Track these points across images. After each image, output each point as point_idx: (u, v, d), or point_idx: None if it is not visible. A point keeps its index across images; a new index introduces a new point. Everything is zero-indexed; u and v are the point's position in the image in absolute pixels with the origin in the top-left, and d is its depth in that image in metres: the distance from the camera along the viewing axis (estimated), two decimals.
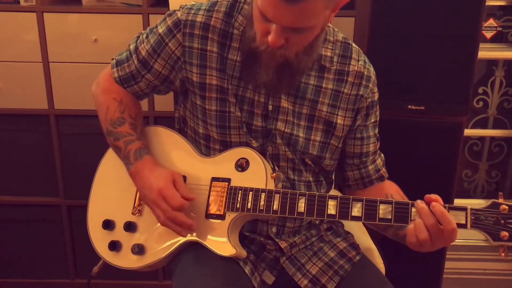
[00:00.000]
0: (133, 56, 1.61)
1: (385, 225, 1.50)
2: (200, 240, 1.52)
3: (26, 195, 2.62)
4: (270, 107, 1.54)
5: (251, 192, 1.50)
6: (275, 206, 1.48)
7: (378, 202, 1.42)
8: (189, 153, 1.63)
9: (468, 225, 1.34)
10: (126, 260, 1.60)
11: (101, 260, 1.66)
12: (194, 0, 1.73)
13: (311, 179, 1.64)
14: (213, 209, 1.53)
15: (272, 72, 1.43)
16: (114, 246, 1.61)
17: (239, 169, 1.55)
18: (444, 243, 1.36)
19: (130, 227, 1.60)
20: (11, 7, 2.35)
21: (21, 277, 2.76)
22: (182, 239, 1.54)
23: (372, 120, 1.65)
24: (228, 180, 1.54)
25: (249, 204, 1.49)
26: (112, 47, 2.32)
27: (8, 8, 2.34)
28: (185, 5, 1.57)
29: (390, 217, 1.40)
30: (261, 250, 1.62)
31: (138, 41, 1.62)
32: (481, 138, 3.13)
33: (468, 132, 2.99)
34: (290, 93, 1.54)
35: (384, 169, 1.71)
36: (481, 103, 3.03)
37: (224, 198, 1.53)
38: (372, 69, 1.63)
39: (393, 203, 1.41)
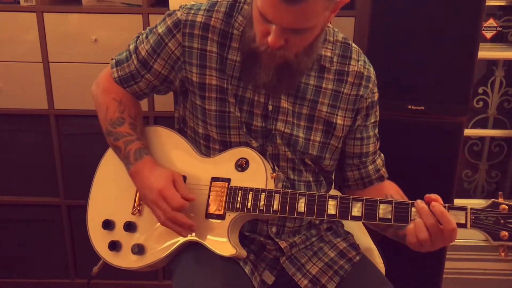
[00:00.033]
0: (133, 56, 1.61)
1: (385, 225, 1.51)
2: (200, 240, 1.52)
3: (26, 195, 2.62)
4: (270, 107, 1.54)
5: (251, 192, 1.50)
6: (275, 206, 1.48)
7: (378, 202, 1.42)
8: (189, 153, 1.63)
9: (468, 225, 1.34)
10: (126, 260, 1.60)
11: (101, 260, 1.66)
12: (194, 0, 1.73)
13: (311, 179, 1.64)
14: (213, 209, 1.53)
15: (272, 73, 1.43)
16: (114, 246, 1.61)
17: (239, 169, 1.54)
18: (444, 242, 1.36)
19: (130, 227, 1.60)
20: (11, 7, 2.34)
21: (21, 277, 2.76)
22: (182, 239, 1.54)
23: (372, 120, 1.65)
24: (228, 180, 1.54)
25: (249, 204, 1.49)
26: (112, 47, 2.32)
27: (8, 8, 2.34)
28: (185, 5, 1.57)
29: (390, 217, 1.40)
30: (261, 250, 1.62)
31: (137, 41, 1.62)
32: (481, 138, 3.13)
33: (468, 132, 2.99)
34: (290, 94, 1.54)
35: (384, 169, 1.71)
36: (481, 103, 3.03)
37: (224, 198, 1.53)
38: (372, 69, 1.63)
39: (393, 203, 1.41)
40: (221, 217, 1.52)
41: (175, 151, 1.64)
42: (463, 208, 1.35)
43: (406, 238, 1.40)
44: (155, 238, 1.58)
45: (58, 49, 2.38)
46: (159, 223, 1.52)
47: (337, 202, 1.44)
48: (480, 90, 3.01)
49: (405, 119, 2.17)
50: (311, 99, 1.56)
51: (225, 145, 1.58)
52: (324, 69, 1.57)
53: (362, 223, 1.68)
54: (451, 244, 1.38)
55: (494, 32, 2.81)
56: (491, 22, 2.79)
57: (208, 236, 1.52)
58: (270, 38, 1.32)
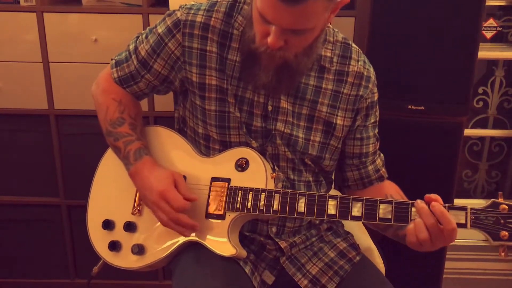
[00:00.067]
0: (133, 57, 1.61)
1: (385, 225, 1.50)
2: (200, 240, 1.52)
3: (26, 195, 2.62)
4: (269, 108, 1.54)
5: (251, 192, 1.50)
6: (275, 206, 1.48)
7: (378, 202, 1.42)
8: (189, 153, 1.63)
9: (468, 225, 1.34)
10: (126, 260, 1.60)
11: (101, 260, 1.66)
12: (194, 0, 1.73)
13: (311, 179, 1.64)
14: (213, 209, 1.53)
15: (271, 73, 1.43)
16: (114, 246, 1.60)
17: (239, 169, 1.54)
18: (444, 242, 1.36)
19: (130, 227, 1.60)
20: (11, 7, 2.34)
21: (21, 277, 2.76)
22: (182, 239, 1.54)
23: (372, 121, 1.65)
24: (228, 180, 1.54)
25: (249, 204, 1.49)
26: (112, 47, 2.32)
27: (8, 8, 2.34)
28: (185, 5, 1.57)
29: (390, 217, 1.40)
30: (261, 250, 1.62)
31: (137, 41, 1.62)
32: (481, 138, 3.13)
33: (468, 132, 2.99)
34: (289, 94, 1.54)
35: (383, 169, 1.70)
36: (481, 103, 3.03)
37: (224, 198, 1.52)
38: (372, 69, 1.63)
39: (393, 203, 1.41)
40: (221, 217, 1.52)
41: (175, 151, 1.64)
42: (463, 208, 1.35)
43: (406, 238, 1.40)
44: (155, 238, 1.58)
45: (58, 49, 2.38)
46: (159, 223, 1.52)
47: (337, 202, 1.44)
48: (480, 90, 3.01)
49: (405, 119, 2.17)
50: (311, 99, 1.56)
51: (225, 145, 1.58)
52: (324, 69, 1.57)
53: (362, 223, 1.68)
54: (451, 244, 1.38)
55: (494, 32, 2.81)
56: (491, 22, 2.79)
57: (208, 236, 1.52)
58: (269, 39, 1.32)
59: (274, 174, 1.52)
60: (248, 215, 1.53)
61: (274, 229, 1.60)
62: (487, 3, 2.16)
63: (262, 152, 1.56)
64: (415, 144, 2.20)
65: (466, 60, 2.09)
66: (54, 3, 2.43)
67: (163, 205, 1.47)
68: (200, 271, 1.49)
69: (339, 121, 1.59)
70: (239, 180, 1.53)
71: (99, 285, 2.56)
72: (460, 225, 1.34)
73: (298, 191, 1.48)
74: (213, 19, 1.53)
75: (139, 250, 1.57)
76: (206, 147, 1.62)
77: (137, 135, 1.59)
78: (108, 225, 1.62)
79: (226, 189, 1.53)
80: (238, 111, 1.54)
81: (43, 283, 2.76)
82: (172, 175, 1.51)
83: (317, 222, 1.69)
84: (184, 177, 1.57)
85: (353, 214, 1.43)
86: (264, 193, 1.49)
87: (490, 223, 1.32)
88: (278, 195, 1.48)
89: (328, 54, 1.57)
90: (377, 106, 1.66)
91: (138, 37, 1.64)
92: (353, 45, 1.62)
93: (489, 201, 1.34)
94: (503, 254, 1.33)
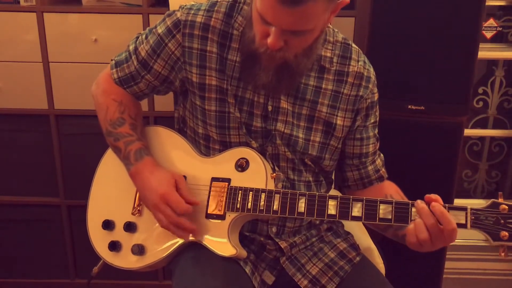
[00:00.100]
0: (133, 57, 1.61)
1: (385, 225, 1.50)
2: (200, 241, 1.52)
3: (26, 195, 2.62)
4: (269, 108, 1.54)
5: (251, 192, 1.50)
6: (275, 206, 1.47)
7: (378, 202, 1.42)
8: (189, 153, 1.63)
9: (468, 225, 1.34)
10: (126, 261, 1.60)
11: (101, 261, 1.66)
12: (193, 0, 1.73)
13: (311, 179, 1.64)
14: (213, 209, 1.53)
15: (271, 74, 1.43)
16: (114, 246, 1.61)
17: (239, 169, 1.54)
18: (444, 243, 1.36)
19: (130, 227, 1.60)
20: (11, 7, 2.34)
21: (21, 277, 2.76)
22: (182, 240, 1.54)
23: (372, 121, 1.65)
24: (228, 180, 1.54)
25: (249, 204, 1.49)
26: (112, 47, 2.32)
27: (8, 8, 2.34)
28: (185, 5, 1.57)
29: (390, 217, 1.40)
30: (261, 250, 1.62)
31: (137, 42, 1.62)
32: (481, 138, 3.13)
33: (468, 132, 2.99)
34: (289, 94, 1.54)
35: (383, 170, 1.70)
36: (481, 103, 3.03)
37: (224, 198, 1.52)
38: (372, 69, 1.63)
39: (393, 203, 1.41)
40: (221, 217, 1.52)
41: (175, 151, 1.64)
42: (463, 208, 1.35)
43: (406, 238, 1.40)
44: (155, 239, 1.58)
45: (58, 49, 2.38)
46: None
47: (337, 202, 1.44)
48: (480, 90, 3.01)
49: (405, 119, 2.17)
50: (311, 100, 1.56)
51: (225, 145, 1.58)
52: (324, 70, 1.57)
53: (362, 223, 1.68)
54: (451, 244, 1.38)
55: (494, 32, 2.81)
56: (491, 22, 2.79)
57: (208, 237, 1.52)
58: (269, 40, 1.32)
59: (274, 174, 1.52)
60: (248, 215, 1.52)
61: (274, 229, 1.60)
62: (487, 3, 2.16)
63: (262, 152, 1.56)
64: (415, 144, 2.20)
65: (466, 60, 2.09)
66: (54, 3, 2.43)
67: (164, 208, 1.47)
68: (200, 271, 1.49)
69: (339, 122, 1.59)
70: (239, 180, 1.53)
71: (99, 285, 2.56)
72: (460, 225, 1.34)
73: (298, 191, 1.47)
74: (213, 19, 1.53)
75: (139, 250, 1.57)
76: (206, 147, 1.62)
77: (137, 135, 1.59)
78: (108, 225, 1.62)
79: (226, 189, 1.53)
80: (238, 112, 1.54)
81: (43, 283, 2.76)
82: (173, 177, 1.51)
83: (317, 222, 1.69)
84: (184, 177, 1.56)
85: (353, 214, 1.43)
86: (264, 193, 1.49)
87: (490, 223, 1.32)
88: (278, 195, 1.48)
89: (328, 54, 1.57)
90: (377, 106, 1.66)
91: (138, 37, 1.64)
92: (353, 45, 1.62)
93: (489, 201, 1.34)
94: (503, 254, 1.33)
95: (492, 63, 3.00)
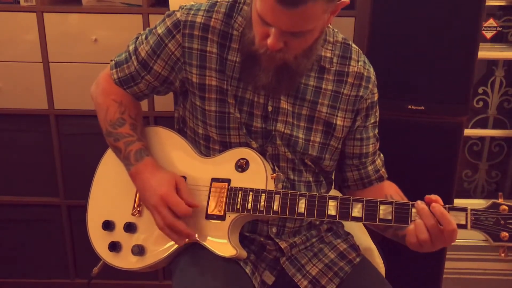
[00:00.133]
0: (133, 57, 1.61)
1: (385, 225, 1.50)
2: (200, 241, 1.52)
3: (26, 195, 2.62)
4: (269, 108, 1.54)
5: (251, 193, 1.50)
6: (275, 206, 1.47)
7: (379, 203, 1.41)
8: (189, 153, 1.63)
9: (468, 226, 1.34)
10: (126, 261, 1.60)
11: (101, 261, 1.65)
12: (193, 0, 1.73)
13: (311, 179, 1.64)
14: (213, 210, 1.53)
15: (271, 74, 1.43)
16: (114, 247, 1.60)
17: (239, 169, 1.54)
18: (444, 243, 1.36)
19: (130, 228, 1.60)
20: (11, 7, 2.34)
21: (21, 277, 2.76)
22: None
23: (372, 121, 1.65)
24: (228, 181, 1.54)
25: (249, 204, 1.49)
26: (112, 47, 2.32)
27: (8, 8, 2.34)
28: (185, 5, 1.57)
29: (390, 217, 1.40)
30: (261, 250, 1.62)
31: (137, 42, 1.62)
32: (481, 138, 3.13)
33: (468, 132, 2.99)
34: (289, 94, 1.54)
35: (383, 170, 1.71)
36: (481, 103, 3.02)
37: (224, 198, 1.52)
38: (372, 69, 1.63)
39: (394, 204, 1.40)
40: (222, 217, 1.51)
41: (175, 152, 1.64)
42: (463, 209, 1.35)
43: (406, 238, 1.40)
44: (155, 239, 1.58)
45: (58, 49, 2.38)
46: None
47: (338, 203, 1.44)
48: (480, 90, 3.01)
49: (405, 119, 2.17)
50: (311, 100, 1.56)
51: (225, 146, 1.58)
52: (324, 70, 1.57)
53: (363, 223, 1.68)
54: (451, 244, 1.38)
55: (494, 32, 2.80)
56: (491, 22, 2.79)
57: (209, 237, 1.52)
58: (269, 41, 1.32)
59: (274, 174, 1.52)
60: (248, 216, 1.52)
61: (274, 230, 1.60)
62: (487, 3, 2.16)
63: (262, 152, 1.56)
64: (415, 144, 2.20)
65: (466, 60, 2.09)
66: (54, 3, 2.43)
67: (162, 209, 1.46)
68: (200, 271, 1.49)
69: (339, 122, 1.59)
70: (239, 180, 1.53)
71: (99, 285, 2.56)
72: (460, 226, 1.34)
73: (298, 192, 1.47)
74: (213, 19, 1.53)
75: (139, 251, 1.57)
76: (206, 147, 1.62)
77: (138, 136, 1.59)
78: (108, 225, 1.62)
79: (226, 189, 1.53)
80: (238, 112, 1.54)
81: (43, 283, 2.76)
82: (173, 178, 1.51)
83: (317, 222, 1.69)
84: (184, 177, 1.56)
85: (353, 215, 1.43)
86: (264, 194, 1.49)
87: (490, 224, 1.32)
88: (278, 195, 1.48)
89: (328, 55, 1.57)
90: (377, 107, 1.66)
91: (137, 38, 1.64)
92: (353, 45, 1.62)
93: (489, 202, 1.34)
94: (503, 255, 1.33)
95: (492, 63, 3.00)
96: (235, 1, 1.55)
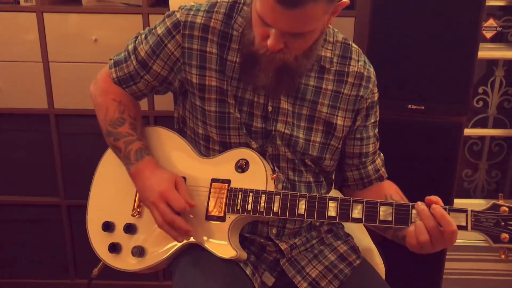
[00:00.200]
0: (132, 57, 1.61)
1: (385, 226, 1.50)
2: (200, 242, 1.52)
3: (26, 195, 2.62)
4: (269, 108, 1.54)
5: (251, 194, 1.50)
6: (275, 207, 1.47)
7: (379, 204, 1.41)
8: (189, 154, 1.62)
9: (469, 227, 1.33)
10: (126, 262, 1.60)
11: (101, 262, 1.65)
12: (193, 0, 1.72)
13: (311, 179, 1.64)
14: (213, 211, 1.53)
15: (271, 75, 1.43)
16: (114, 248, 1.60)
17: (239, 170, 1.54)
18: (444, 245, 1.35)
19: (130, 229, 1.59)
20: (11, 7, 2.34)
21: (21, 277, 2.76)
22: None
23: (372, 121, 1.65)
24: (228, 182, 1.54)
25: (250, 205, 1.49)
26: (112, 47, 2.31)
27: (8, 8, 2.34)
28: (184, 6, 1.56)
29: (390, 219, 1.40)
30: (261, 251, 1.61)
31: (136, 42, 1.62)
32: (481, 138, 3.14)
33: (468, 131, 2.99)
34: (290, 94, 1.54)
35: (383, 169, 1.70)
36: (481, 103, 3.03)
37: (224, 199, 1.52)
38: (372, 69, 1.63)
39: (394, 205, 1.40)
40: (221, 219, 1.51)
41: (175, 152, 1.64)
42: (464, 210, 1.34)
43: (406, 239, 1.40)
44: (155, 240, 1.58)
45: (58, 49, 2.38)
46: None
47: (338, 204, 1.44)
48: (480, 90, 3.01)
49: (405, 119, 2.18)
50: (311, 100, 1.56)
51: (225, 146, 1.58)
52: (324, 70, 1.57)
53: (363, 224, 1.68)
54: None
55: (494, 32, 2.81)
56: (491, 22, 2.79)
57: (209, 239, 1.52)
58: (269, 42, 1.32)
59: (274, 175, 1.52)
60: (249, 217, 1.52)
61: (274, 231, 1.59)
62: (487, 3, 2.17)
63: (262, 153, 1.55)
64: (415, 144, 2.20)
65: (466, 60, 2.09)
66: (54, 3, 2.43)
67: (161, 206, 1.46)
68: (200, 272, 1.49)
69: (339, 122, 1.59)
70: (239, 181, 1.53)
71: (99, 285, 2.55)
72: (460, 227, 1.33)
73: (298, 193, 1.47)
74: (213, 20, 1.53)
75: (139, 252, 1.57)
76: (206, 147, 1.61)
77: (137, 135, 1.59)
78: (108, 227, 1.62)
79: (226, 190, 1.53)
80: (238, 112, 1.54)
81: (43, 283, 2.76)
82: (173, 177, 1.51)
83: (318, 224, 1.69)
84: (184, 178, 1.56)
85: (353, 216, 1.42)
86: (264, 195, 1.49)
87: (490, 225, 1.31)
88: (279, 196, 1.48)
89: (328, 55, 1.56)
90: (377, 106, 1.66)
91: (137, 37, 1.63)
92: (353, 45, 1.62)
93: (490, 203, 1.33)
94: (503, 256, 1.32)
95: (492, 63, 3.00)
96: (235, 1, 1.55)
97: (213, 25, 1.52)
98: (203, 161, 1.60)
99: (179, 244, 1.54)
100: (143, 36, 1.61)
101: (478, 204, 2.97)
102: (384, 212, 1.40)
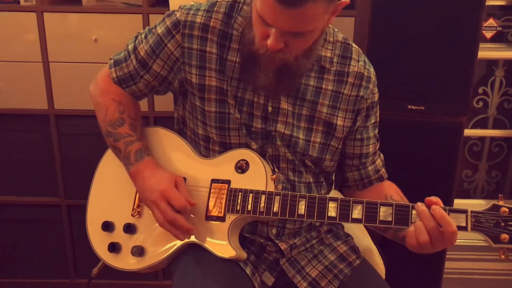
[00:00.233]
0: (132, 56, 1.61)
1: (385, 226, 1.50)
2: (200, 242, 1.52)
3: (26, 195, 2.62)
4: (269, 109, 1.54)
5: (251, 194, 1.50)
6: (275, 208, 1.47)
7: (379, 205, 1.41)
8: (189, 154, 1.62)
9: (469, 228, 1.33)
10: (125, 262, 1.60)
11: (101, 262, 1.65)
12: (193, 0, 1.72)
13: (311, 180, 1.64)
14: (213, 211, 1.53)
15: (271, 75, 1.43)
16: (114, 248, 1.60)
17: (239, 170, 1.54)
18: (444, 245, 1.35)
19: (129, 229, 1.59)
20: (11, 7, 2.34)
21: (21, 277, 2.76)
22: (181, 241, 1.54)
23: (372, 121, 1.65)
24: (228, 182, 1.54)
25: (249, 206, 1.49)
26: (112, 47, 2.30)
27: (8, 8, 2.34)
28: (184, 5, 1.56)
29: (390, 219, 1.40)
30: (261, 251, 1.61)
31: (136, 41, 1.62)
32: (481, 138, 3.13)
33: (468, 132, 2.99)
34: (289, 95, 1.54)
35: (383, 170, 1.70)
36: (481, 103, 3.03)
37: (224, 200, 1.52)
38: (372, 69, 1.63)
39: (394, 206, 1.40)
40: (221, 219, 1.51)
41: (175, 152, 1.64)
42: (464, 211, 1.34)
43: (406, 240, 1.40)
44: (155, 240, 1.58)
45: (58, 49, 2.38)
46: (158, 225, 1.52)
47: (338, 204, 1.44)
48: (480, 90, 3.01)
49: (405, 119, 2.17)
50: (311, 100, 1.56)
51: (225, 147, 1.58)
52: (324, 70, 1.56)
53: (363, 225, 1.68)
54: None
55: (494, 32, 2.81)
56: (491, 22, 2.79)
57: (208, 238, 1.52)
58: (269, 41, 1.32)
59: (274, 176, 1.52)
60: (248, 217, 1.52)
61: (274, 231, 1.59)
62: (487, 3, 2.16)
63: (262, 153, 1.55)
64: (415, 144, 2.20)
65: (466, 60, 2.09)
66: (54, 3, 2.43)
67: (162, 204, 1.46)
68: (200, 272, 1.49)
69: (339, 122, 1.58)
70: (239, 182, 1.53)
71: (99, 285, 2.56)
72: (460, 228, 1.34)
73: (298, 194, 1.47)
74: (212, 19, 1.53)
75: (138, 252, 1.57)
76: (206, 148, 1.61)
77: (137, 136, 1.59)
78: (107, 226, 1.62)
79: (226, 191, 1.53)
80: (238, 112, 1.54)
81: (43, 283, 2.76)
82: (174, 177, 1.51)
83: (318, 224, 1.69)
84: (184, 178, 1.56)
85: (353, 216, 1.42)
86: (264, 195, 1.49)
87: (490, 226, 1.31)
88: (278, 197, 1.48)
89: (328, 55, 1.56)
90: (378, 107, 1.66)
91: (137, 37, 1.63)
92: (353, 45, 1.62)
93: (490, 204, 1.34)
94: (503, 256, 1.32)
95: (492, 63, 3.00)
96: (234, 1, 1.55)
97: (213, 24, 1.52)
98: (203, 162, 1.60)
99: (179, 244, 1.54)
100: (143, 35, 1.61)
101: (478, 204, 2.97)
102: (384, 213, 1.40)
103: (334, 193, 1.79)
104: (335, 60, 1.57)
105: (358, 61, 1.60)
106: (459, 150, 2.21)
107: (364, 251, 1.75)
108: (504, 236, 1.30)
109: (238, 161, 1.54)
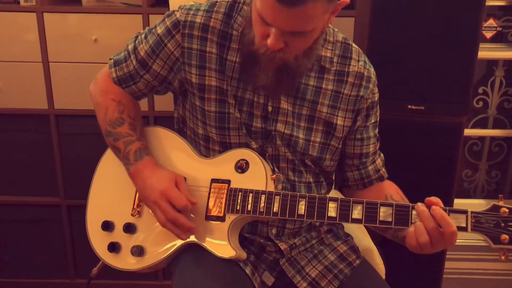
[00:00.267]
0: (132, 56, 1.61)
1: (385, 227, 1.50)
2: (200, 242, 1.52)
3: (26, 195, 2.62)
4: (269, 108, 1.54)
5: (251, 194, 1.50)
6: (275, 208, 1.47)
7: (379, 205, 1.41)
8: (189, 154, 1.62)
9: (469, 228, 1.33)
10: (125, 262, 1.60)
11: (100, 261, 1.65)
12: (193, 0, 1.72)
13: (311, 180, 1.64)
14: (213, 211, 1.53)
15: (271, 75, 1.43)
16: (114, 247, 1.60)
17: (239, 170, 1.54)
18: (444, 246, 1.35)
19: (129, 228, 1.59)
20: (11, 7, 2.34)
21: (21, 277, 2.76)
22: (181, 241, 1.54)
23: (372, 121, 1.65)
24: (228, 182, 1.54)
25: (249, 206, 1.49)
26: (112, 47, 2.30)
27: (8, 8, 2.34)
28: (184, 5, 1.56)
29: (390, 219, 1.40)
30: (261, 251, 1.61)
31: (136, 41, 1.62)
32: (481, 138, 3.14)
33: (468, 132, 2.99)
34: (289, 94, 1.54)
35: (383, 169, 1.70)
36: (481, 103, 3.03)
37: (224, 199, 1.52)
38: (372, 69, 1.63)
39: (394, 206, 1.40)
40: (221, 219, 1.51)
41: (175, 152, 1.64)
42: (464, 212, 1.34)
43: (406, 240, 1.40)
44: (154, 240, 1.58)
45: (58, 49, 2.38)
46: (158, 224, 1.52)
47: (338, 204, 1.44)
48: (480, 90, 3.01)
49: (405, 119, 2.17)
50: (311, 100, 1.56)
51: (225, 146, 1.58)
52: (324, 70, 1.56)
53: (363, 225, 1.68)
54: None
55: (494, 32, 2.81)
56: (491, 22, 2.79)
57: (208, 238, 1.52)
58: (269, 41, 1.32)
59: (274, 175, 1.52)
60: (248, 217, 1.52)
61: (274, 231, 1.59)
62: (487, 3, 2.16)
63: (262, 153, 1.55)
64: (415, 144, 2.20)
65: (466, 60, 2.09)
66: (54, 3, 2.43)
67: (163, 204, 1.46)
68: (200, 272, 1.49)
69: (339, 122, 1.58)
70: (239, 181, 1.53)
71: (99, 285, 2.56)
72: (460, 229, 1.33)
73: (298, 194, 1.47)
74: (212, 19, 1.53)
75: (138, 251, 1.57)
76: (206, 148, 1.61)
77: (137, 135, 1.59)
78: (107, 226, 1.62)
79: (226, 190, 1.53)
80: (238, 112, 1.54)
81: (43, 283, 2.76)
82: (174, 176, 1.51)
83: (317, 224, 1.69)
84: (184, 178, 1.56)
85: (353, 216, 1.42)
86: (264, 195, 1.49)
87: (490, 227, 1.31)
88: (278, 197, 1.48)
89: (328, 55, 1.56)
90: (378, 106, 1.66)
91: (137, 37, 1.63)
92: (353, 45, 1.62)
93: (490, 204, 1.33)
94: (503, 257, 1.32)
95: (492, 63, 3.00)
96: (234, 1, 1.55)
97: (212, 24, 1.52)
98: (203, 161, 1.60)
99: (179, 244, 1.54)
100: (143, 35, 1.61)
101: (478, 204, 2.96)
102: (384, 213, 1.40)
103: (334, 193, 1.79)
104: (335, 60, 1.57)
105: (358, 61, 1.60)
106: (459, 150, 2.21)
107: (364, 251, 1.75)
108: (504, 236, 1.30)
109: (238, 161, 1.54)
